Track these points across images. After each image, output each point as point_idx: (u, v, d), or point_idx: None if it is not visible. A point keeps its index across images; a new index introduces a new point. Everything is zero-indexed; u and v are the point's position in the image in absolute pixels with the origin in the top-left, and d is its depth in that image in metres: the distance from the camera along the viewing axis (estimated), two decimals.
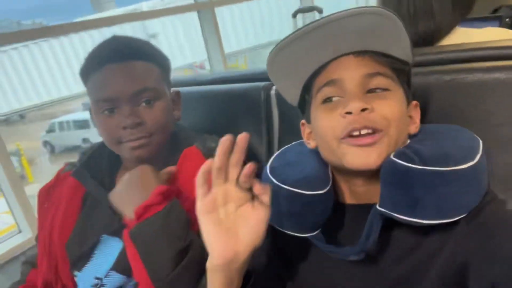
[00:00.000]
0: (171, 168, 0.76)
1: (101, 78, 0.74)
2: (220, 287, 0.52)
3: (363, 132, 0.53)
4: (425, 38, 0.90)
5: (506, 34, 0.90)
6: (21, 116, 11.91)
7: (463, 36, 0.90)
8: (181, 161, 0.77)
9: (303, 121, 0.65)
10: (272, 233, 0.68)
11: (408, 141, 0.58)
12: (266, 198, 0.51)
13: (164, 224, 0.64)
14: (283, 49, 0.55)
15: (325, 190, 0.59)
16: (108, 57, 0.74)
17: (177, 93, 0.84)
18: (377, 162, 0.53)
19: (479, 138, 0.56)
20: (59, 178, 0.87)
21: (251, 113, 0.90)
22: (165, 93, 0.79)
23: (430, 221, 0.51)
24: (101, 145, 0.85)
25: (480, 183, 0.53)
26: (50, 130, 9.99)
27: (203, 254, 0.65)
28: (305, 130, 0.65)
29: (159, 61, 0.80)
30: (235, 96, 0.92)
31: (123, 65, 0.74)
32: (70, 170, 0.85)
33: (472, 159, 0.51)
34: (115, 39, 0.78)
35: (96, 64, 0.74)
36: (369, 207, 0.58)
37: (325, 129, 0.56)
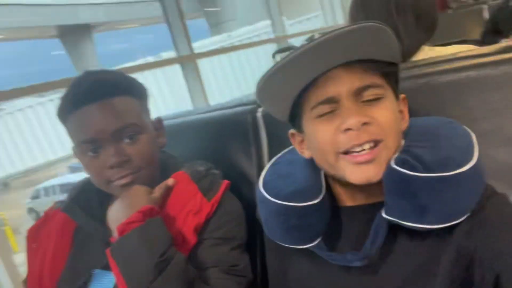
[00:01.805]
0: (168, 182, 0.76)
1: (80, 120, 0.73)
2: None
3: (365, 147, 0.53)
4: None
5: (472, 48, 0.97)
6: (5, 184, 11.67)
7: (430, 53, 0.97)
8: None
9: (292, 131, 0.65)
10: (278, 256, 0.68)
11: (403, 141, 0.58)
12: None
13: (142, 239, 0.65)
14: (272, 77, 0.54)
15: (319, 199, 0.59)
16: (84, 97, 0.72)
17: (159, 120, 0.84)
18: (377, 176, 0.54)
19: (469, 129, 0.57)
20: (48, 216, 0.85)
21: (240, 137, 0.91)
22: (147, 125, 0.78)
23: (438, 225, 0.51)
24: (90, 179, 0.84)
25: (482, 180, 0.53)
26: (35, 197, 9.75)
27: (185, 271, 0.65)
28: (296, 140, 0.65)
29: (136, 91, 0.79)
30: (223, 122, 0.94)
31: (100, 104, 0.73)
32: (59, 207, 0.84)
33: (472, 159, 0.52)
34: (88, 76, 0.76)
35: (73, 105, 0.73)
36: (365, 207, 0.59)
37: (324, 143, 0.56)
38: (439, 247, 0.53)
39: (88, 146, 0.74)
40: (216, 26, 10.50)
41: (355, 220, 0.61)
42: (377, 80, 0.55)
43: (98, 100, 0.73)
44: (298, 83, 0.56)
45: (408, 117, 0.61)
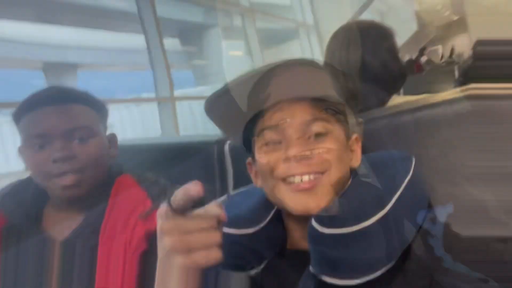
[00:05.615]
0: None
1: (33, 118, 0.73)
2: None
3: (304, 178, 0.53)
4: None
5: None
6: None
7: (398, 101, 1.01)
8: (114, 192, 0.76)
9: (249, 159, 0.63)
10: None
11: (350, 179, 0.58)
12: None
13: None
14: (222, 96, 0.55)
15: (255, 229, 0.58)
16: (42, 101, 0.74)
17: (113, 135, 0.84)
18: (317, 207, 0.53)
19: (410, 164, 0.57)
20: None
21: (204, 169, 0.90)
22: (100, 133, 0.79)
23: (355, 280, 0.49)
24: (29, 177, 0.80)
25: (402, 226, 0.52)
26: None
27: None
28: (252, 169, 0.63)
29: (96, 105, 0.80)
30: (187, 149, 0.92)
31: (56, 106, 0.74)
32: None
33: (382, 209, 0.51)
34: (51, 87, 0.78)
35: (29, 108, 0.74)
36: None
37: (265, 168, 0.56)
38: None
39: (36, 140, 0.73)
40: (202, 78, 10.73)
41: (297, 266, 0.58)
42: (326, 115, 0.56)
43: (56, 104, 0.74)
44: (248, 108, 0.57)
45: (360, 157, 0.60)
